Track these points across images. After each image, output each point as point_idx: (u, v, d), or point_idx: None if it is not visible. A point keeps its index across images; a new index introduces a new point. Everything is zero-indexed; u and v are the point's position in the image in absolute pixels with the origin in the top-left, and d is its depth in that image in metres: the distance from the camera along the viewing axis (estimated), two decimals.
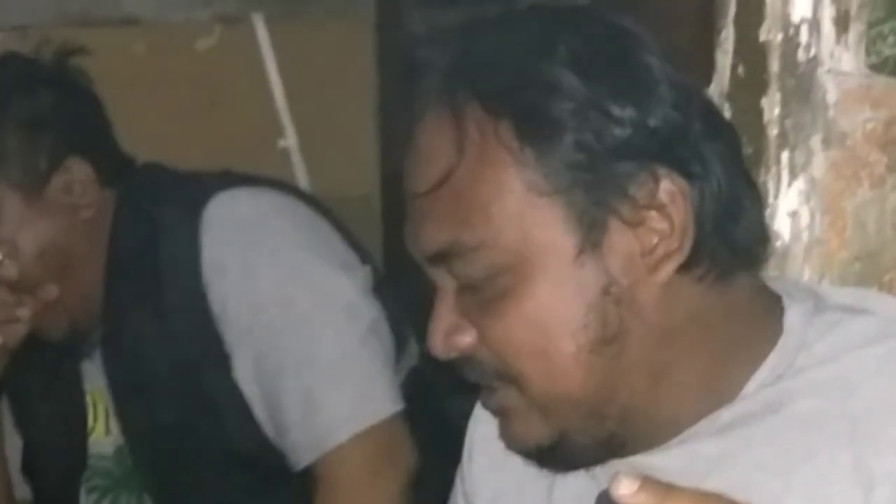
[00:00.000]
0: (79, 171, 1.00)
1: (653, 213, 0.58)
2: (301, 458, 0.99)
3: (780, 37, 0.72)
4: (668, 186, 0.57)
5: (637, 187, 0.57)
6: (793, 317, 0.61)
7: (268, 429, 1.00)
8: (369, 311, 1.01)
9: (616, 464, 0.58)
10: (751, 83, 0.72)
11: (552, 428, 0.60)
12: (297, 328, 0.98)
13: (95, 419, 1.08)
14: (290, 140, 2.09)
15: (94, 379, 1.06)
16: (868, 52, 0.73)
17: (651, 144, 0.58)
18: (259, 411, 1.00)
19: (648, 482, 0.41)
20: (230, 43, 2.15)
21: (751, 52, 0.73)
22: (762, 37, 0.72)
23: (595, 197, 0.58)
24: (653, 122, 0.57)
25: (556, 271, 0.59)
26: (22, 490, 1.13)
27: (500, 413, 0.62)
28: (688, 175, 0.58)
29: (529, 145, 0.58)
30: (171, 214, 1.00)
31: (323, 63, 2.11)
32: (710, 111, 0.63)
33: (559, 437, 0.60)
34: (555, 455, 0.61)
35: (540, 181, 0.58)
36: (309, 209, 1.04)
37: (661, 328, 0.60)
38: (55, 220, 0.98)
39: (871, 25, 0.72)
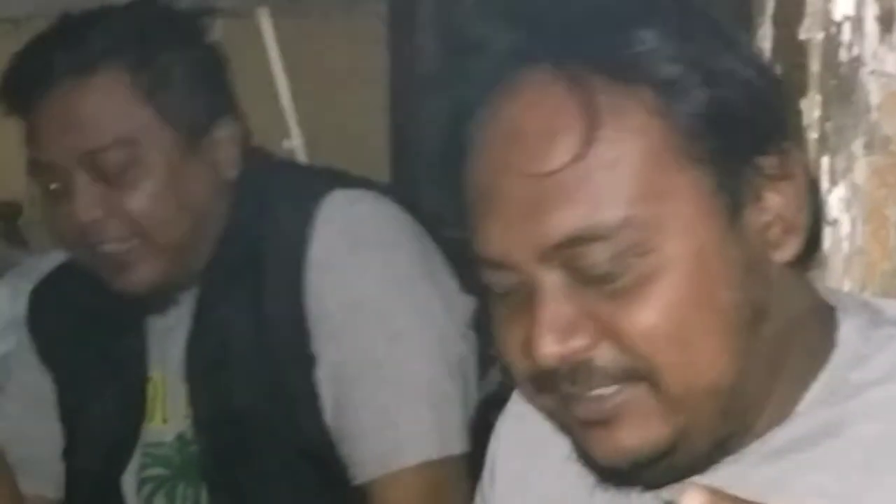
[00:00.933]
0: (232, 130, 1.01)
1: (780, 185, 0.57)
2: (363, 472, 0.98)
3: (820, 36, 0.72)
4: (796, 157, 0.58)
5: (770, 159, 0.57)
6: (847, 330, 0.60)
7: (335, 435, 1.00)
8: (462, 347, 1.01)
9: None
10: (789, 84, 0.72)
11: (675, 427, 0.57)
12: (390, 341, 0.98)
13: (154, 407, 1.07)
14: (295, 140, 2.10)
15: (164, 356, 1.06)
16: None
17: (773, 116, 0.58)
18: (329, 415, 0.99)
19: (719, 494, 0.40)
20: (233, 39, 2.16)
21: (790, 52, 0.73)
22: (802, 35, 0.73)
23: (733, 166, 0.57)
24: (772, 98, 0.58)
25: (704, 247, 0.57)
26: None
27: (610, 419, 0.58)
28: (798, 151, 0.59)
29: (673, 110, 0.56)
30: (288, 201, 1.01)
31: (331, 59, 2.12)
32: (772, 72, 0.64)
33: (678, 440, 0.57)
34: (657, 466, 0.58)
35: (687, 147, 0.57)
36: (422, 229, 1.03)
37: (784, 314, 0.59)
38: (201, 172, 0.99)
39: None
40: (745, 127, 0.57)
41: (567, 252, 0.56)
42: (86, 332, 1.07)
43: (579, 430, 0.59)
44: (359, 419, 0.98)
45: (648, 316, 0.56)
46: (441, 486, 1.01)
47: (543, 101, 0.57)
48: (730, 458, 0.58)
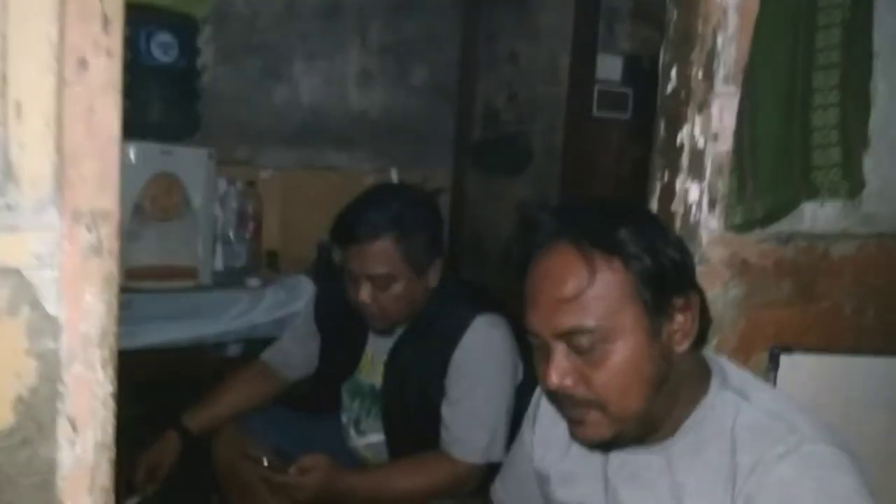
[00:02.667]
0: (440, 264, 1.78)
1: (686, 315, 1.01)
2: (443, 445, 1.76)
3: (681, 209, 1.41)
4: (695, 300, 1.03)
5: (679, 300, 1.01)
6: (712, 389, 1.05)
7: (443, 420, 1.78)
8: (511, 402, 1.76)
9: (634, 451, 1.08)
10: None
11: (614, 431, 1.02)
12: (481, 398, 1.75)
13: (364, 364, 1.90)
14: None
15: (376, 347, 1.86)
16: (725, 219, 1.40)
17: (684, 276, 1.02)
18: (443, 411, 1.76)
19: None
20: None
21: (666, 216, 1.42)
22: (673, 208, 1.42)
23: (661, 304, 0.99)
24: (682, 260, 1.01)
25: (638, 345, 0.99)
26: None
27: (578, 422, 1.02)
28: (698, 292, 1.04)
29: (632, 275, 0.98)
30: (455, 312, 1.76)
31: None
32: (686, 249, 1.08)
33: (616, 435, 1.03)
34: (608, 445, 1.06)
35: (635, 296, 0.98)
36: (511, 335, 1.81)
37: (678, 377, 1.01)
38: (409, 282, 1.77)
39: (728, 206, 1.38)
40: (668, 282, 0.99)
41: (567, 336, 0.99)
42: (341, 322, 1.88)
43: (568, 422, 1.06)
44: (451, 423, 1.77)
45: (604, 376, 0.99)
46: (472, 476, 1.78)
47: (563, 263, 0.99)
48: (656, 447, 1.06)
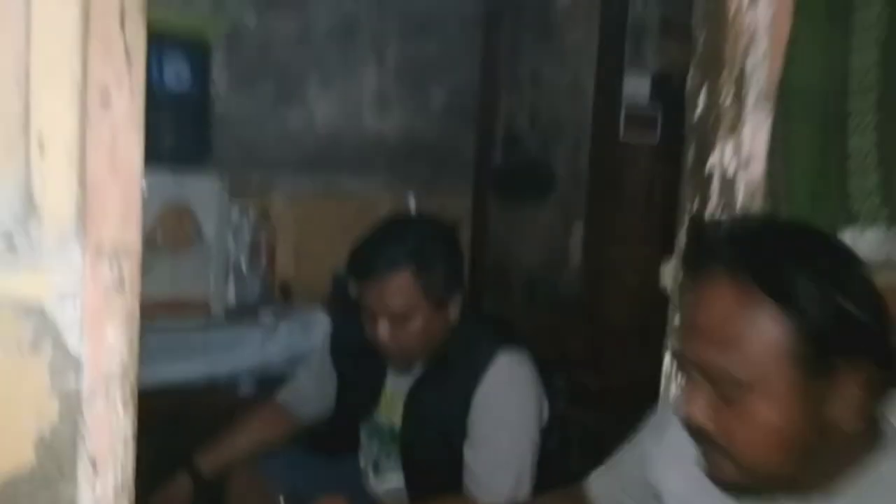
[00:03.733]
0: (459, 300, 1.82)
1: (850, 385, 0.93)
2: (467, 489, 1.79)
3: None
4: (866, 370, 0.93)
5: (845, 365, 0.92)
6: (886, 451, 0.99)
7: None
8: (537, 441, 1.82)
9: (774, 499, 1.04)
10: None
11: (744, 477, 1.00)
12: (505, 440, 1.79)
13: (384, 403, 1.93)
14: None
15: (396, 384, 1.90)
16: None
17: (860, 341, 0.93)
18: (466, 454, 1.79)
19: None
20: None
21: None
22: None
23: (821, 365, 0.92)
24: (865, 322, 0.92)
25: (784, 402, 0.93)
26: None
27: (707, 457, 1.01)
28: (877, 364, 0.94)
29: (789, 324, 0.92)
30: (476, 349, 1.79)
31: None
32: (884, 307, 0.98)
33: (750, 485, 1.01)
34: (742, 491, 1.03)
35: (791, 345, 0.92)
36: (535, 372, 1.87)
37: (826, 442, 0.96)
38: (428, 318, 1.77)
39: None
40: (836, 342, 0.91)
41: (711, 374, 0.96)
42: (358, 359, 1.91)
43: (700, 455, 1.04)
44: (474, 466, 1.79)
45: (741, 427, 0.96)
46: None
47: (720, 291, 0.96)
48: (799, 500, 1.01)
